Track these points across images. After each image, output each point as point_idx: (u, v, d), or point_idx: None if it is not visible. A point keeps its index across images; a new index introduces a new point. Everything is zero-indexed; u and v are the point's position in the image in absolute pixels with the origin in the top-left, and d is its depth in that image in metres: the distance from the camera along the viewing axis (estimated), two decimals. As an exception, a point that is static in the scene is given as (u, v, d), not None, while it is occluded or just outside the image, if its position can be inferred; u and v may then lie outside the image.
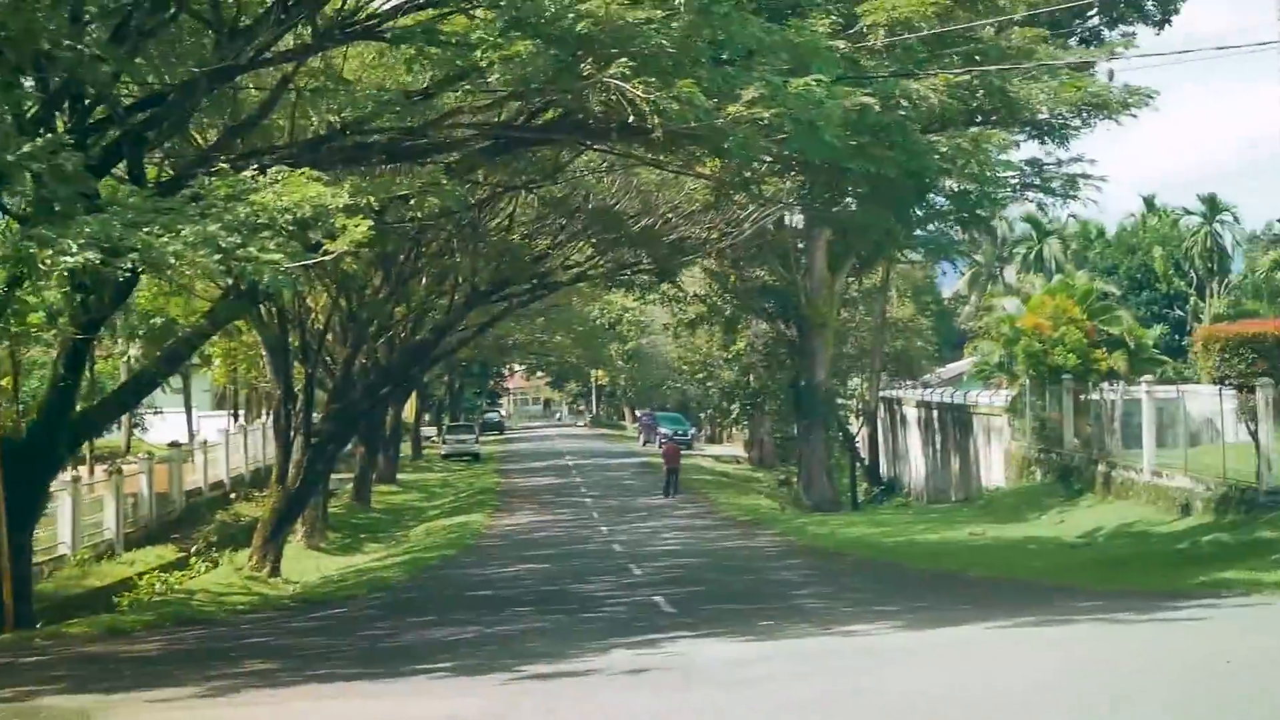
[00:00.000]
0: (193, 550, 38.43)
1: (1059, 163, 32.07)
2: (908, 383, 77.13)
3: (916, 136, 21.05)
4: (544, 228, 40.52)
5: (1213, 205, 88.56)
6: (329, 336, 44.55)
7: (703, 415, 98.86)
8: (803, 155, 21.32)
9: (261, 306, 38.03)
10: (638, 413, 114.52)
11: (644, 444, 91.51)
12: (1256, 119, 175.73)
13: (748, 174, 28.61)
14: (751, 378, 73.42)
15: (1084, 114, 28.57)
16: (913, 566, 31.49)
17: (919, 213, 35.26)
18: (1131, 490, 37.65)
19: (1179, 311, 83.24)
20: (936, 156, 21.23)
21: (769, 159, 24.63)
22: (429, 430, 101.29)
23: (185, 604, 30.10)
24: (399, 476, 71.19)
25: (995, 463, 51.33)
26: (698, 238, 40.36)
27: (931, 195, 32.54)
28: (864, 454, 68.11)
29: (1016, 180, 32.25)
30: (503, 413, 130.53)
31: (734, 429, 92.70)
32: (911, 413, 64.99)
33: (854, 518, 48.44)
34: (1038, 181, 32.26)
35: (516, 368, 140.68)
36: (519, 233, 38.82)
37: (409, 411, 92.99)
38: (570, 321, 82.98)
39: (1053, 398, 45.45)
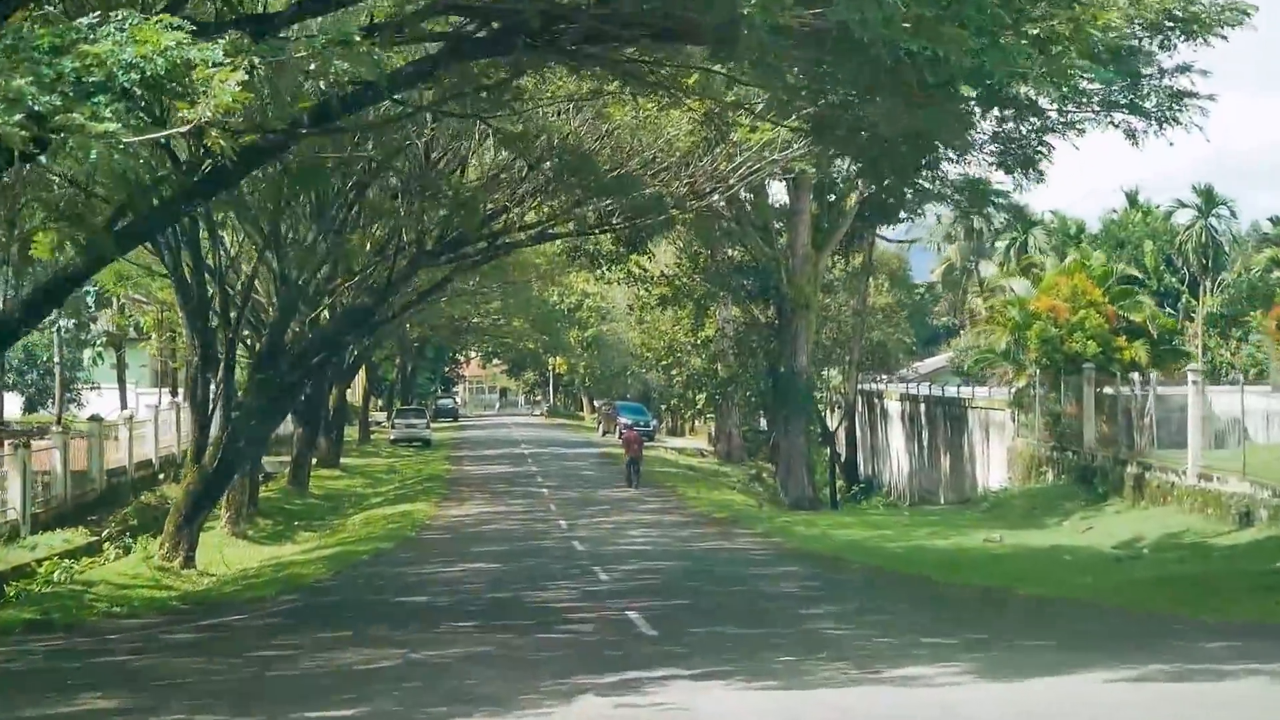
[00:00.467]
0: (104, 535, 34.53)
1: (1160, 73, 26.09)
2: (883, 377, 72.06)
3: (997, 9, 15.36)
4: (501, 177, 34.62)
5: (1209, 198, 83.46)
6: (258, 295, 38.94)
7: (664, 406, 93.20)
8: (845, 37, 15.43)
9: (171, 249, 32.64)
10: (597, 403, 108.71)
11: (603, 434, 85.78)
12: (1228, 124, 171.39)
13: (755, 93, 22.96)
14: (720, 366, 67.97)
15: (1169, 30, 23.03)
16: (939, 580, 25.96)
17: (974, 134, 29.42)
18: (1171, 495, 32.36)
19: (1169, 310, 78.05)
20: (1025, 41, 15.47)
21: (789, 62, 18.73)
22: (380, 416, 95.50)
23: (76, 598, 25.53)
24: (343, 461, 65.29)
25: (995, 461, 45.95)
26: (676, 194, 34.51)
27: (981, 120, 26.86)
28: (840, 450, 62.71)
29: (1100, 96, 26.25)
30: (457, 400, 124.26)
31: (697, 421, 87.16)
32: (894, 407, 59.52)
33: (842, 518, 42.90)
34: (1128, 100, 26.29)
35: (473, 355, 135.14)
36: (473, 179, 32.86)
37: (357, 394, 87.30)
38: (529, 305, 77.49)
39: (1069, 390, 40.16)
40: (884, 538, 34.70)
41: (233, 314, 35.26)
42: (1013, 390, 44.78)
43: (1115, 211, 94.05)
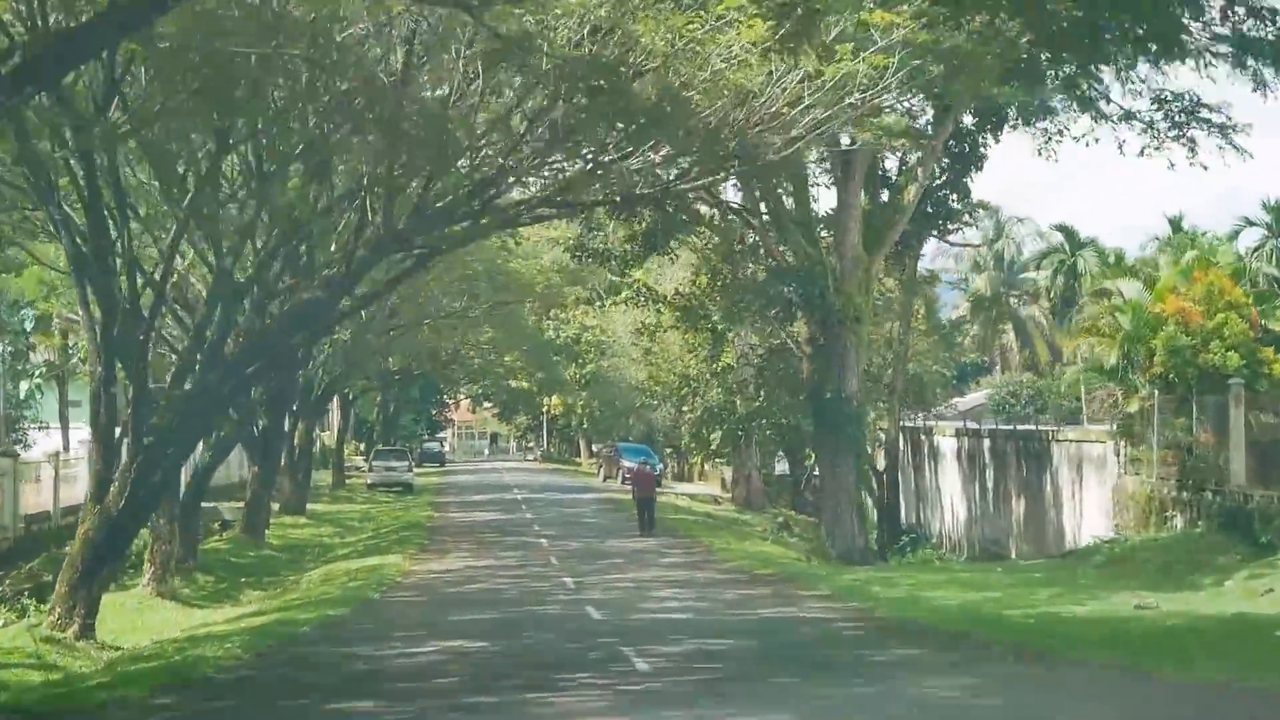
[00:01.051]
0: (-3, 595, 26.84)
1: None
2: (919, 415, 63.46)
3: None
4: (488, 96, 25.11)
5: (1280, 215, 74.43)
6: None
7: (669, 450, 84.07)
8: None
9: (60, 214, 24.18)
10: (595, 446, 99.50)
11: (604, 479, 76.71)
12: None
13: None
14: (739, 400, 59.20)
15: None
16: (1156, 670, 17.01)
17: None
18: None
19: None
20: None
21: None
22: (360, 461, 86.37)
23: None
24: (311, 508, 56.30)
25: (1092, 505, 37.16)
26: (735, 123, 25.14)
27: None
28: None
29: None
30: (445, 444, 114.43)
31: (708, 465, 78.20)
32: (947, 444, 50.56)
33: (919, 574, 33.81)
34: None
35: (462, 396, 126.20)
36: (453, 103, 23.40)
37: (332, 434, 78.09)
38: (523, 334, 68.69)
39: (1203, 413, 31.36)
40: (994, 602, 25.77)
41: (145, 306, 26.37)
42: (1117, 418, 35.98)
43: (1157, 239, 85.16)
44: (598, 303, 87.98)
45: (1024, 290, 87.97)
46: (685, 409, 66.31)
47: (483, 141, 24.68)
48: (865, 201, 41.33)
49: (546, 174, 28.12)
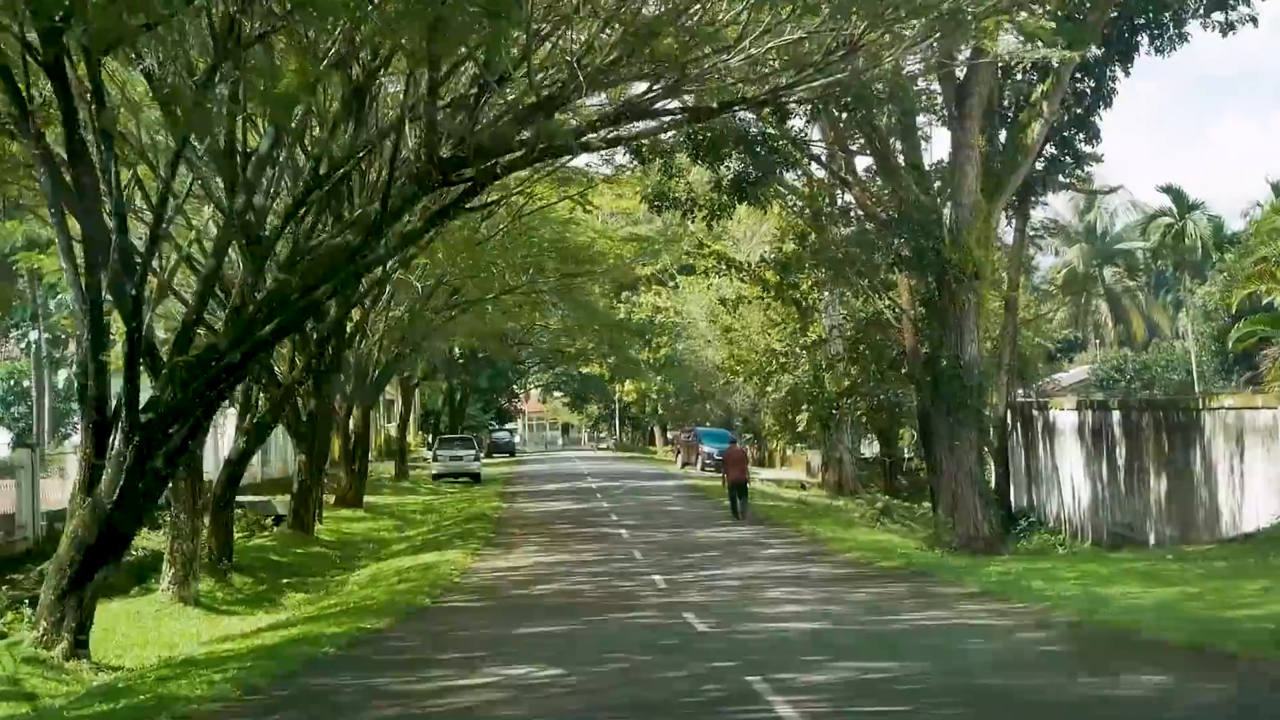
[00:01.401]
0: (-1, 605, 23.40)
1: None
2: (1019, 391, 57.62)
3: None
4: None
5: None
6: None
7: (749, 435, 78.33)
8: None
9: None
10: (670, 434, 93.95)
11: (682, 466, 71.22)
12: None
13: None
14: (829, 377, 53.60)
15: None
16: None
17: None
18: None
19: None
20: None
21: None
22: (427, 453, 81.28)
23: None
24: (370, 500, 51.20)
25: (1259, 481, 31.15)
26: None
27: None
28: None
29: None
30: (514, 433, 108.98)
31: (790, 450, 72.49)
32: (1065, 419, 44.61)
33: (1085, 565, 27.84)
34: None
35: (531, 387, 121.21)
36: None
37: (393, 425, 72.99)
38: (594, 315, 63.36)
39: None
40: (1196, 599, 20.01)
41: (138, 254, 21.20)
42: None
43: (1260, 205, 78.71)
44: (670, 283, 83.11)
45: (1123, 266, 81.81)
46: (769, 389, 60.72)
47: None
48: (982, 143, 35.61)
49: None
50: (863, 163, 39.75)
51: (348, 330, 41.37)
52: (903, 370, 44.75)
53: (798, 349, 55.26)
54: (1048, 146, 37.52)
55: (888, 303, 42.20)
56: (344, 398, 48.07)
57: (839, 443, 56.97)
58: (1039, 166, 37.91)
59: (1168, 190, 65.35)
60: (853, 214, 42.90)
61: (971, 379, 35.16)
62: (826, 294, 52.87)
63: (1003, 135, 37.10)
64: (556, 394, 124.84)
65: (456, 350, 71.37)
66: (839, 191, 45.96)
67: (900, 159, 36.06)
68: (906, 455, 61.97)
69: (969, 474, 35.28)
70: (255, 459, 42.13)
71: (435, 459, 64.47)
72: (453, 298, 51.06)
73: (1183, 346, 67.09)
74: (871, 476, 59.24)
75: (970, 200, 34.90)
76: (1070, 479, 44.30)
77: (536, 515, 44.45)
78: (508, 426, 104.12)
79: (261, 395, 34.43)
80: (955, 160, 35.29)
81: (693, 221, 38.38)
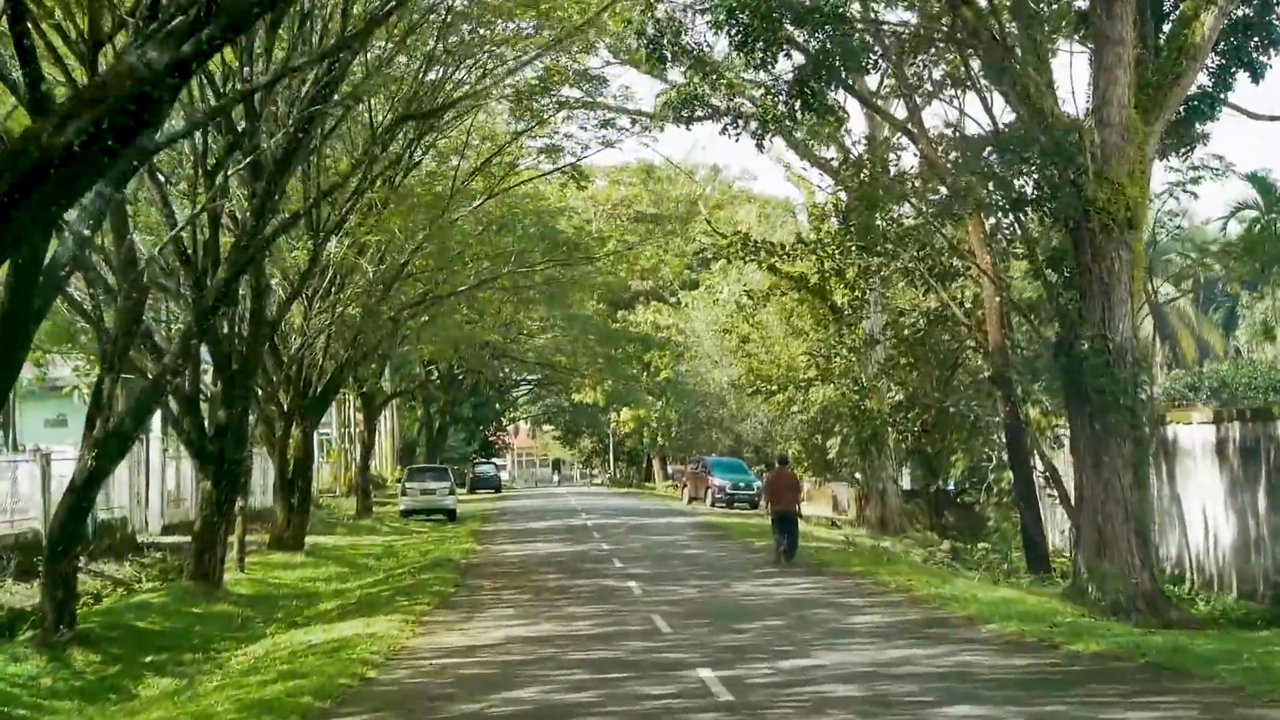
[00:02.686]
0: None
1: None
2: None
3: None
4: None
5: None
6: None
7: (760, 466, 66.46)
8: None
9: None
10: (670, 469, 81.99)
11: (689, 501, 59.47)
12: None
13: None
14: (871, 394, 42.27)
15: None
16: None
17: None
18: None
19: None
20: None
21: None
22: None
23: None
24: (317, 540, 39.62)
25: None
26: None
27: None
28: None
29: None
30: (500, 467, 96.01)
31: (818, 482, 61.01)
32: (1196, 436, 33.12)
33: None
34: None
35: (520, 421, 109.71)
36: None
37: (342, 448, 61.20)
38: (588, 325, 52.06)
39: None
40: None
41: None
42: None
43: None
44: (672, 298, 71.84)
45: (1167, 275, 70.00)
46: (794, 409, 49.31)
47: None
48: (1135, 42, 24.37)
49: None
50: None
51: (271, 317, 30.16)
52: (984, 375, 33.52)
53: (836, 356, 43.89)
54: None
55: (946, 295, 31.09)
56: (281, 413, 36.67)
57: (880, 471, 45.42)
58: (1202, 82, 26.52)
59: (1253, 179, 53.17)
60: (915, 184, 31.88)
61: (1124, 368, 23.90)
62: (871, 291, 41.70)
63: (1163, 33, 25.89)
64: (547, 427, 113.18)
65: (435, 371, 60.09)
66: (897, 151, 35.45)
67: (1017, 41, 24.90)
68: (953, 486, 50.61)
69: (1122, 504, 24.00)
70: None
71: (404, 493, 52.66)
72: (424, 296, 40.06)
73: (1269, 360, 55.58)
74: (913, 512, 47.73)
75: (1120, 118, 23.75)
76: (1201, 512, 32.80)
77: (517, 560, 32.92)
78: (493, 460, 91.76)
79: (119, 389, 23.06)
80: (1100, 61, 24.14)
81: (736, 139, 26.93)
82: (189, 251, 25.52)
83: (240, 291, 26.73)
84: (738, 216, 65.26)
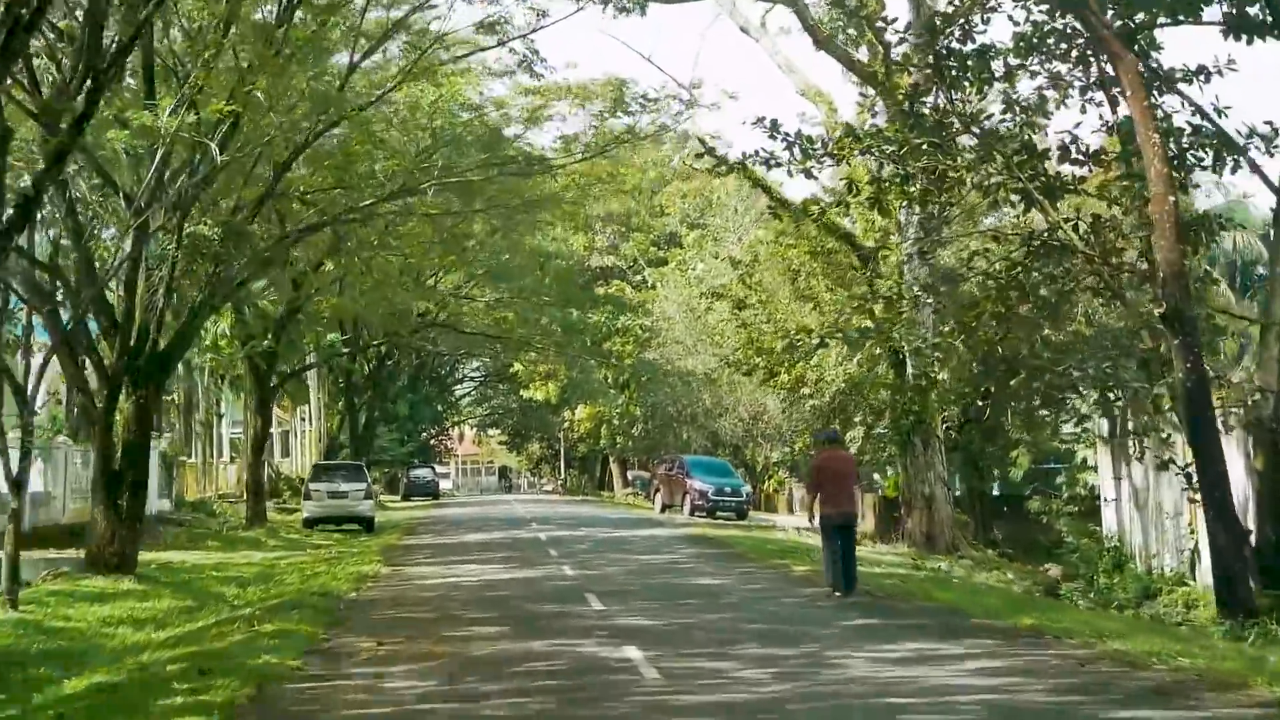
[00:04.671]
0: None
1: None
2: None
3: None
4: None
5: None
6: None
7: (739, 468, 53.26)
8: None
9: None
10: (631, 475, 68.66)
11: (663, 509, 46.50)
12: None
13: None
14: (914, 366, 29.81)
15: None
16: None
17: None
18: None
19: None
20: None
21: None
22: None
23: None
24: (175, 558, 26.78)
25: None
26: None
27: None
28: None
29: None
30: (439, 473, 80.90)
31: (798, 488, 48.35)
32: None
33: None
34: None
35: (466, 425, 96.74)
36: None
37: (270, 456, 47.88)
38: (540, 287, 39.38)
39: None
40: None
41: None
42: None
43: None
44: (638, 276, 59.51)
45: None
46: (807, 392, 36.76)
47: None
48: None
49: None
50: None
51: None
52: (1149, 308, 20.96)
53: (861, 316, 31.18)
54: None
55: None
56: (104, 377, 23.81)
57: (927, 470, 32.77)
58: None
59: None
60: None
61: None
62: (915, 221, 29.43)
63: None
64: (493, 432, 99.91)
65: (352, 341, 47.15)
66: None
67: None
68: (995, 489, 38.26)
69: None
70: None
71: (307, 496, 39.31)
72: (319, 220, 27.39)
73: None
74: (989, 521, 35.20)
75: None
76: None
77: (434, 597, 20.06)
78: (431, 465, 77.66)
79: None
80: None
81: None
82: None
83: None
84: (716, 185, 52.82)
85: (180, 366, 45.33)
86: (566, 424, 73.45)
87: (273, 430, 58.67)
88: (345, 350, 45.56)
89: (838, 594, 18.23)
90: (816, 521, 18.96)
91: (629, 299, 55.32)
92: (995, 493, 38.09)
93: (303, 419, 59.98)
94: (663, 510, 46.01)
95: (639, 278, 58.50)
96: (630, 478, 67.72)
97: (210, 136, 21.43)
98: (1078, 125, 21.25)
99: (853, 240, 32.86)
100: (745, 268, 37.31)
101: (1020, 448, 34.17)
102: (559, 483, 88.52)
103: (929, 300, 28.08)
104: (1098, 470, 32.65)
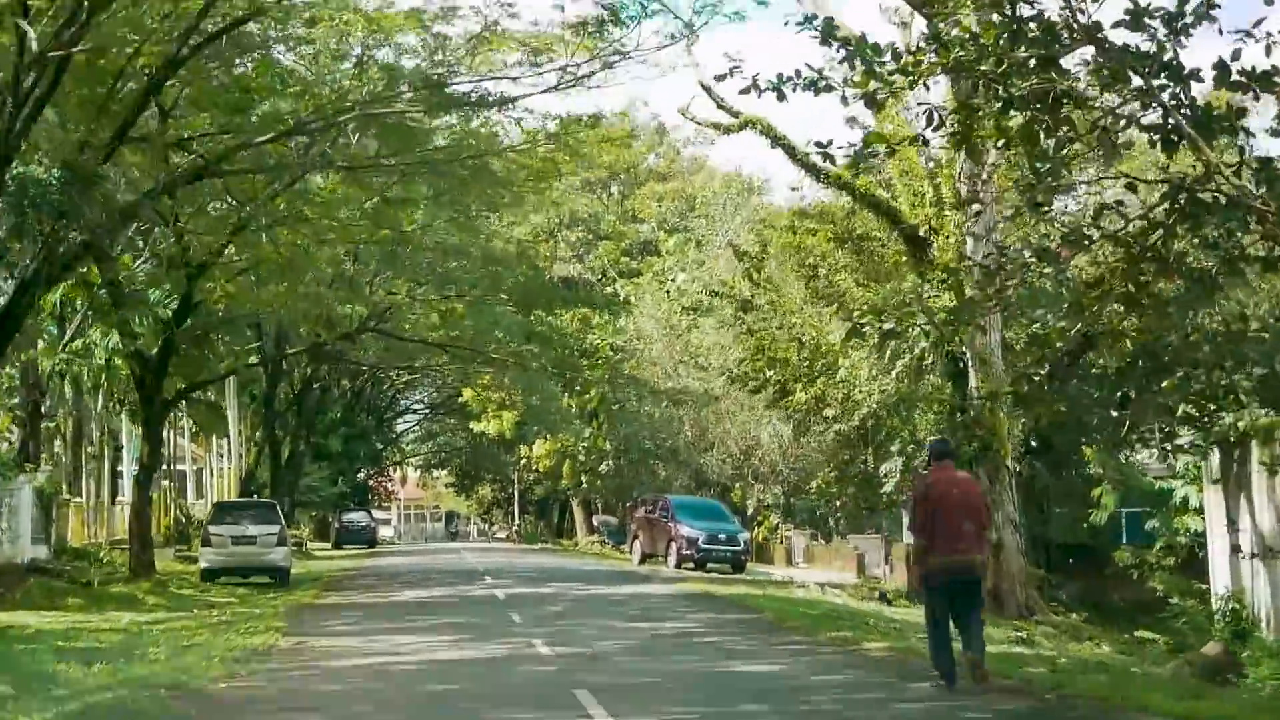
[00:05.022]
0: None
1: None
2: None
3: None
4: None
5: None
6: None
7: (744, 511, 45.25)
8: None
9: None
10: (597, 521, 60.68)
11: (642, 559, 38.99)
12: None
13: None
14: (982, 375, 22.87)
15: None
16: None
17: None
18: None
19: None
20: None
21: None
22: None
23: None
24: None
25: None
26: None
27: None
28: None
29: None
30: (377, 518, 70.98)
31: (831, 536, 41.22)
32: None
33: None
34: None
35: (409, 466, 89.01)
36: None
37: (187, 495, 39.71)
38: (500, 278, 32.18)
39: None
40: None
41: None
42: None
43: None
44: (611, 286, 52.35)
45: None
46: (830, 414, 29.56)
47: None
48: None
49: None
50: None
51: None
52: None
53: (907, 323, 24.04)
54: None
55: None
56: None
57: (995, 512, 25.54)
58: None
59: None
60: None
61: None
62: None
63: None
64: (439, 474, 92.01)
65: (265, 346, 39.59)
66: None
67: None
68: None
69: None
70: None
71: (206, 542, 31.51)
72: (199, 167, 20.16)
73: None
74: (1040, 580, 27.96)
75: None
76: None
77: (343, 685, 12.74)
78: (367, 509, 68.45)
79: None
80: None
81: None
82: None
83: None
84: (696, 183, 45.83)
85: (68, 387, 37.53)
86: (523, 462, 65.47)
87: (184, 467, 50.89)
88: (255, 361, 37.81)
89: (953, 687, 11.41)
90: (920, 574, 12.28)
91: (606, 298, 48.09)
92: (1060, 540, 30.96)
93: (220, 455, 52.21)
94: (642, 561, 38.53)
95: (609, 290, 51.29)
96: (596, 523, 59.96)
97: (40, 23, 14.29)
98: (1242, 36, 14.10)
99: (898, 217, 25.82)
100: (752, 261, 30.23)
101: (1105, 484, 27.21)
102: (513, 529, 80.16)
103: (1047, 270, 20.94)
104: (1203, 513, 26.13)
